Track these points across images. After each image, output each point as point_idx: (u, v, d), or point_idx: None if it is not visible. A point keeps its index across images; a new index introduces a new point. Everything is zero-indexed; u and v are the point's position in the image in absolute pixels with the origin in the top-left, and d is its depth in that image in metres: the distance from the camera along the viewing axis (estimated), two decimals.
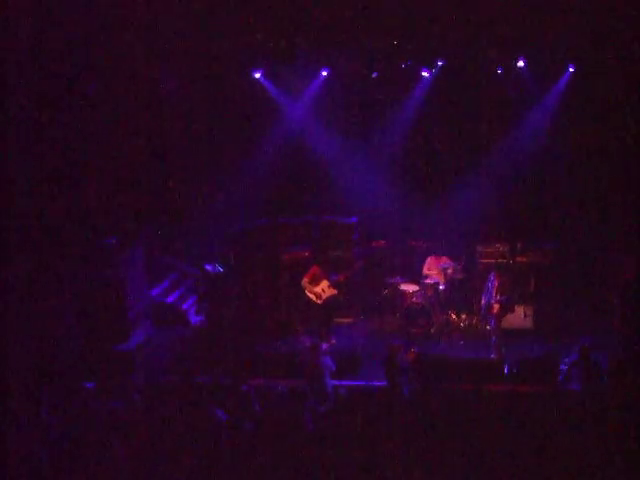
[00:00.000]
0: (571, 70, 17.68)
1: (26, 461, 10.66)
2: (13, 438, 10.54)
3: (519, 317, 16.70)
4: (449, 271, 17.47)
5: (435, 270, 17.66)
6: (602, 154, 17.29)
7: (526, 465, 9.82)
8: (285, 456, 10.39)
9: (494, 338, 15.76)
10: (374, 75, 18.49)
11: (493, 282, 15.89)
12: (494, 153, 18.52)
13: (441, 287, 17.40)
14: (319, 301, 16.69)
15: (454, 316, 17.46)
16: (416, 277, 17.75)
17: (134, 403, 12.14)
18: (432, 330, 17.03)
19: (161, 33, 15.74)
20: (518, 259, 17.21)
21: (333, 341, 16.34)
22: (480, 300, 16.71)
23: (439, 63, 18.21)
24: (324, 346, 15.79)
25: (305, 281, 16.71)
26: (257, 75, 18.10)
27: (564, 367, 13.47)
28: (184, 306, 17.86)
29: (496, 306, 15.67)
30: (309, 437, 10.84)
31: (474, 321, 17.31)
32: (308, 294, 16.71)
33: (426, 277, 17.62)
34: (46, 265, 13.68)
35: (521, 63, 17.61)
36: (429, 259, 17.84)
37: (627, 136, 16.75)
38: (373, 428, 10.60)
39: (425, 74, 18.46)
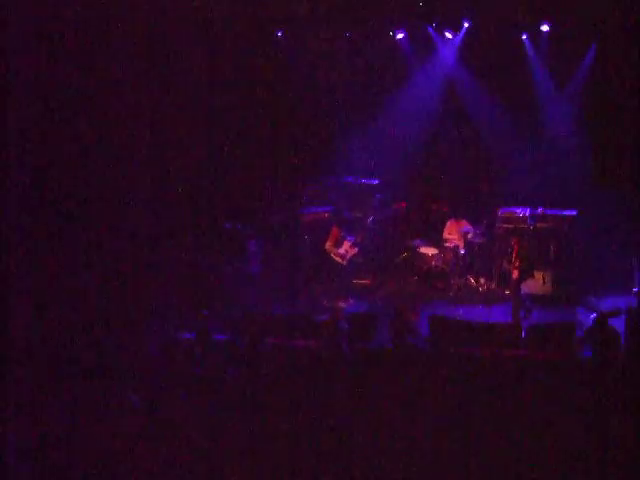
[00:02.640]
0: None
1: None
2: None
3: (538, 283, 16.67)
4: (469, 235, 17.45)
5: (455, 234, 17.67)
6: (624, 121, 17.12)
7: (539, 432, 9.86)
8: (297, 415, 10.46)
9: (512, 304, 15.78)
10: (400, 36, 18.41)
11: (513, 248, 15.87)
12: (518, 119, 18.36)
13: (461, 251, 17.39)
14: (344, 262, 16.78)
15: (473, 280, 17.44)
16: (436, 240, 17.75)
17: (150, 360, 12.22)
18: (450, 294, 17.04)
19: None
20: (538, 225, 17.14)
21: (350, 302, 16.45)
22: (499, 265, 16.73)
23: (465, 25, 18.09)
24: (343, 307, 15.92)
25: (329, 245, 16.82)
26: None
27: (581, 334, 13.44)
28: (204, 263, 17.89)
29: (515, 272, 15.66)
30: (322, 397, 10.89)
31: (493, 286, 17.29)
32: (334, 257, 16.78)
33: (446, 241, 17.63)
34: None
35: (545, 27, 17.51)
36: (449, 223, 17.85)
37: None
38: (387, 388, 10.64)
39: (449, 35, 18.33)
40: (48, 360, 12.01)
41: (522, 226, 16.99)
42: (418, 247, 17.67)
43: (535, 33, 17.81)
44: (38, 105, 12.88)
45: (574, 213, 17.28)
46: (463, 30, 18.16)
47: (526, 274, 15.85)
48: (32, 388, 11.01)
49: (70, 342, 12.60)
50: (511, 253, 15.90)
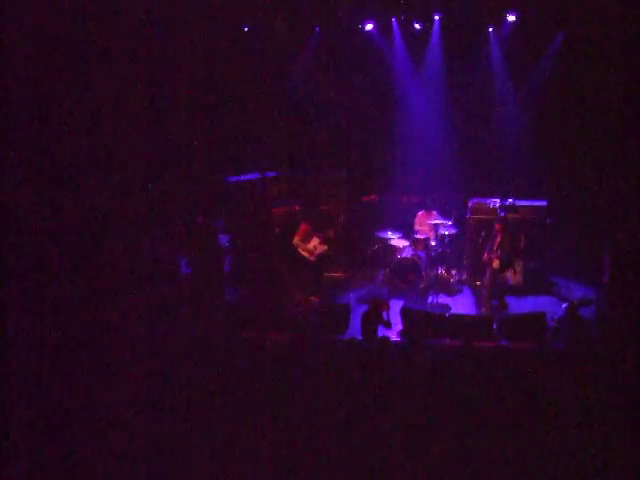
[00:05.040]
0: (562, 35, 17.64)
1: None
2: None
3: (510, 274, 16.71)
4: (440, 227, 17.45)
5: (426, 225, 17.66)
6: (597, 111, 17.16)
7: (513, 421, 9.90)
8: (272, 409, 10.46)
9: (485, 293, 15.80)
10: (368, 28, 18.38)
11: (495, 237, 15.83)
12: (486, 108, 18.43)
13: (432, 243, 17.39)
14: (312, 258, 16.73)
15: (444, 272, 17.45)
16: (406, 232, 17.74)
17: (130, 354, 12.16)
18: (422, 285, 17.04)
19: None
20: (509, 215, 17.15)
21: (323, 296, 16.42)
22: (471, 256, 16.75)
23: (435, 17, 18.11)
24: (314, 301, 15.89)
25: (297, 240, 16.74)
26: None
27: (552, 324, 13.50)
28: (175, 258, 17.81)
29: (496, 261, 15.62)
30: (297, 389, 10.89)
31: (464, 277, 17.31)
32: (301, 252, 16.73)
33: (417, 232, 17.62)
34: None
35: (512, 17, 17.57)
36: (420, 214, 17.84)
37: (623, 93, 16.65)
38: (360, 381, 10.66)
39: (417, 26, 18.34)
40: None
41: (492, 217, 16.96)
42: (389, 239, 17.64)
43: (501, 24, 17.88)
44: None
45: (544, 203, 17.32)
46: (436, 23, 18.19)
47: (507, 265, 15.83)
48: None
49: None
50: (493, 242, 15.83)
